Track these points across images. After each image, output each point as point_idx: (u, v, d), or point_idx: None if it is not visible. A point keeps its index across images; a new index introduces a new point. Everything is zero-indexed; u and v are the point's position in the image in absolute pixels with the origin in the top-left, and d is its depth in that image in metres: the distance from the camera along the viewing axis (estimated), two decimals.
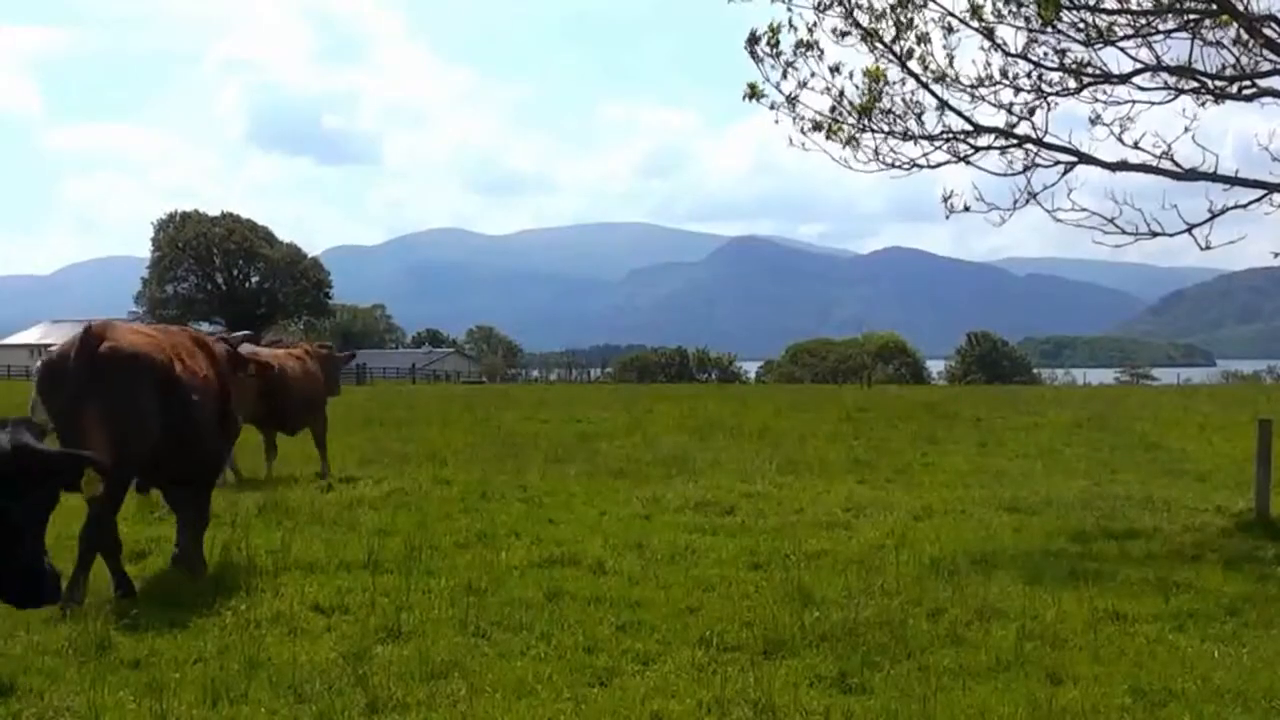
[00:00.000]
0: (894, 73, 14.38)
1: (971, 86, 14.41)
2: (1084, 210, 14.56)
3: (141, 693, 7.88)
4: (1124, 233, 14.50)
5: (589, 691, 8.02)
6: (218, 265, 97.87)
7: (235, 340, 13.68)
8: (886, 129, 14.48)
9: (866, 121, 14.43)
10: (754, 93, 14.44)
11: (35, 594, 6.26)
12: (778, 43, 14.25)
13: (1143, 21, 13.99)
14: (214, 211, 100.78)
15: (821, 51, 14.34)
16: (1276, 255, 15.03)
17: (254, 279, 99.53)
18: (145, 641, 9.12)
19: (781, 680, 8.17)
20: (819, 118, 14.55)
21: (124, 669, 8.47)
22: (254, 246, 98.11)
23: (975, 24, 14.13)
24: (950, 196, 14.61)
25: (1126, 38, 14.15)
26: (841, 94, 14.42)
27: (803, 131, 14.64)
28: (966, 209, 14.65)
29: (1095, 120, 14.55)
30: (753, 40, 14.32)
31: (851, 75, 14.36)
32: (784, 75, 14.36)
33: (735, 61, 14.46)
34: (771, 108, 14.50)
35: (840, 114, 14.43)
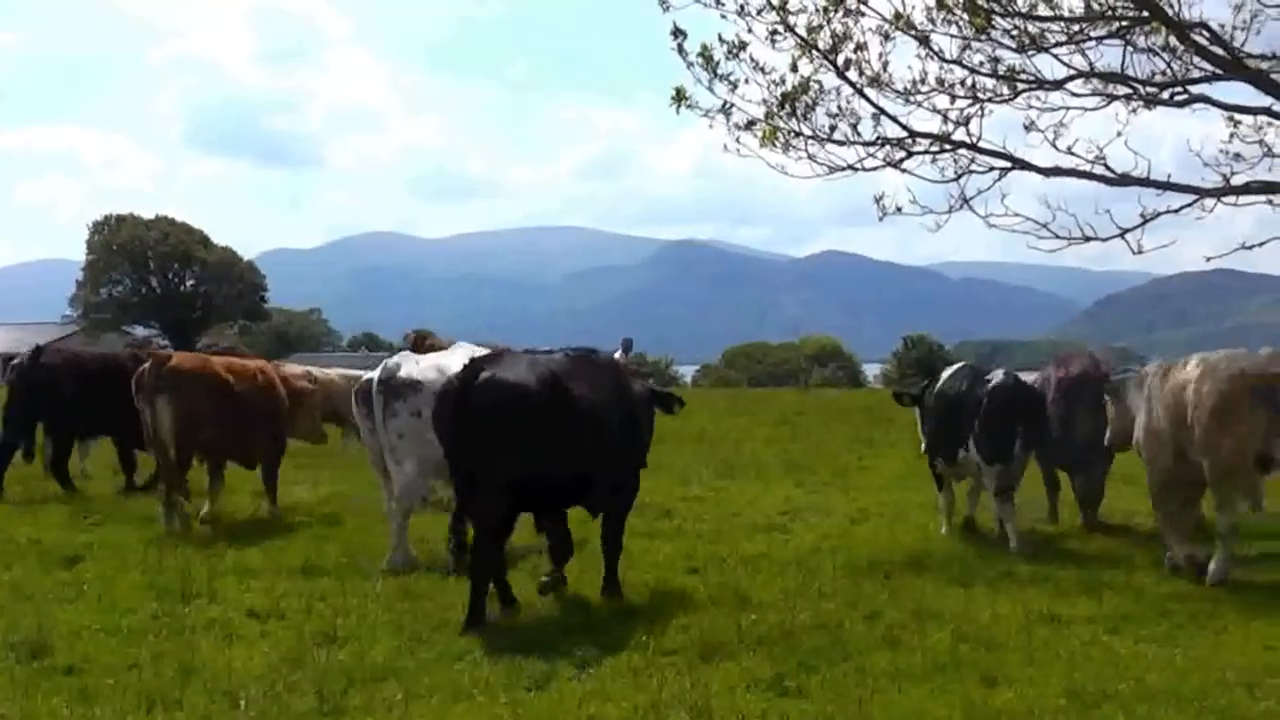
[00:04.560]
0: (829, 80, 14.42)
1: (906, 92, 14.47)
2: (1018, 215, 14.66)
3: (75, 699, 7.83)
4: (1058, 237, 14.60)
5: (525, 695, 8.03)
6: (153, 269, 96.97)
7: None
8: (820, 135, 14.50)
9: (795, 123, 14.42)
10: (680, 97, 14.34)
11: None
12: (711, 56, 14.20)
13: (1075, 28, 14.10)
14: (150, 214, 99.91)
15: (756, 61, 14.34)
16: (1209, 260, 15.19)
17: (189, 282, 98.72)
18: (79, 648, 9.05)
19: (718, 684, 8.20)
20: (750, 118, 14.53)
21: (57, 675, 8.41)
22: (189, 250, 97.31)
23: (911, 32, 14.19)
24: (882, 198, 14.69)
25: (1059, 44, 14.25)
26: (780, 100, 14.42)
27: (737, 140, 14.62)
28: (899, 210, 14.70)
29: (1030, 126, 14.66)
30: (676, 33, 14.21)
31: (784, 80, 14.37)
32: (714, 76, 14.31)
33: (679, 65, 14.32)
34: (705, 114, 14.47)
35: (771, 111, 14.42)
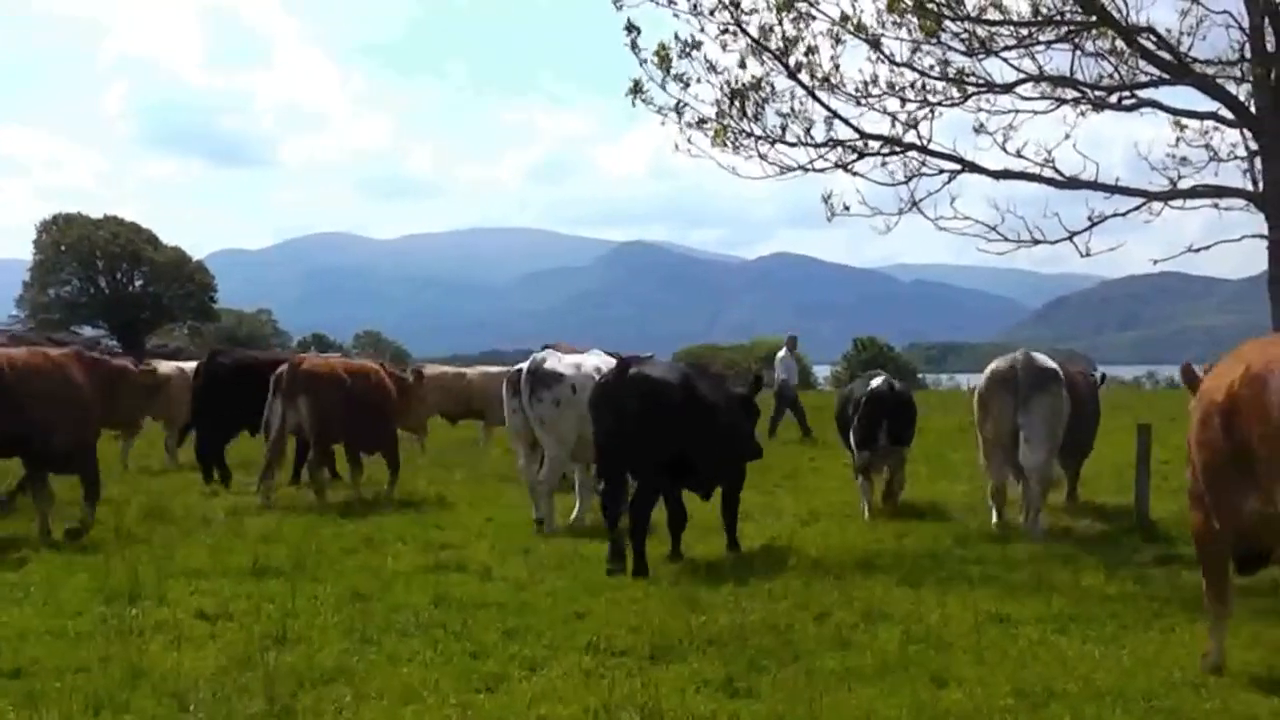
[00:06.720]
0: (781, 81, 14.46)
1: (857, 94, 14.53)
2: (967, 218, 14.75)
3: (21, 702, 7.73)
4: (1006, 240, 14.71)
5: (475, 697, 7.99)
6: (101, 269, 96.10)
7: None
8: (771, 136, 14.54)
9: (746, 123, 14.46)
10: (637, 89, 14.40)
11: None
12: (666, 55, 14.24)
13: (1024, 32, 14.21)
14: (99, 214, 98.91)
15: (710, 61, 14.38)
16: (1156, 263, 15.33)
17: (138, 283, 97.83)
18: (25, 650, 8.95)
19: (669, 685, 8.17)
20: (701, 116, 14.58)
21: (3, 678, 8.30)
22: (138, 250, 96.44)
23: (862, 35, 14.25)
24: (830, 196, 14.75)
25: (1008, 48, 14.37)
26: (731, 97, 14.46)
27: (689, 140, 14.65)
28: (846, 209, 14.79)
29: (979, 129, 14.76)
30: (630, 29, 14.24)
31: (737, 80, 14.42)
32: (667, 75, 14.35)
33: (632, 65, 14.37)
34: (659, 111, 14.50)
35: (722, 110, 14.47)
